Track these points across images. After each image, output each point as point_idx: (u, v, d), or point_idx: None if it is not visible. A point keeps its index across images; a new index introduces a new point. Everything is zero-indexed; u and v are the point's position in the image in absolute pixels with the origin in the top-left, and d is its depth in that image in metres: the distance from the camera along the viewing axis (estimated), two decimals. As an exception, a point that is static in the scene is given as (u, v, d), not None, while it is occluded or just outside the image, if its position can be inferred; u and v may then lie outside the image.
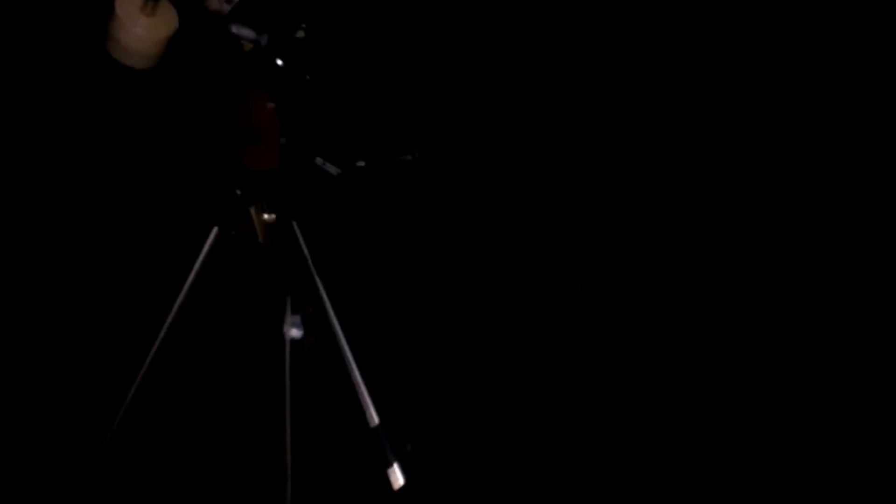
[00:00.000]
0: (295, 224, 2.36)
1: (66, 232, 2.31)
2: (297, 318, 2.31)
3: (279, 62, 2.14)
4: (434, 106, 2.54)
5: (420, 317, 2.49)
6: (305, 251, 2.37)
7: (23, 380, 2.23)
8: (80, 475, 2.25)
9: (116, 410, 2.27)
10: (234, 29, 2.12)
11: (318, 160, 2.26)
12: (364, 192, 2.51)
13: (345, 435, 2.21)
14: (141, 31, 2.07)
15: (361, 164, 2.32)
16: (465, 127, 2.58)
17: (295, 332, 2.31)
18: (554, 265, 2.54)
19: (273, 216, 2.34)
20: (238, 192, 2.35)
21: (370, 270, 2.52)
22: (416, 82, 2.55)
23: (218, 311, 2.36)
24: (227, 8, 2.12)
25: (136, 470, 2.21)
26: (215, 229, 2.34)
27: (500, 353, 2.44)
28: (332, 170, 2.26)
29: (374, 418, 2.17)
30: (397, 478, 2.14)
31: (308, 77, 2.17)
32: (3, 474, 2.15)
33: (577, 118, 2.58)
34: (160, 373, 2.26)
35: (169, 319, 2.32)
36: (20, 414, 2.23)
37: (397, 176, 2.51)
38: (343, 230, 2.52)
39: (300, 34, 2.15)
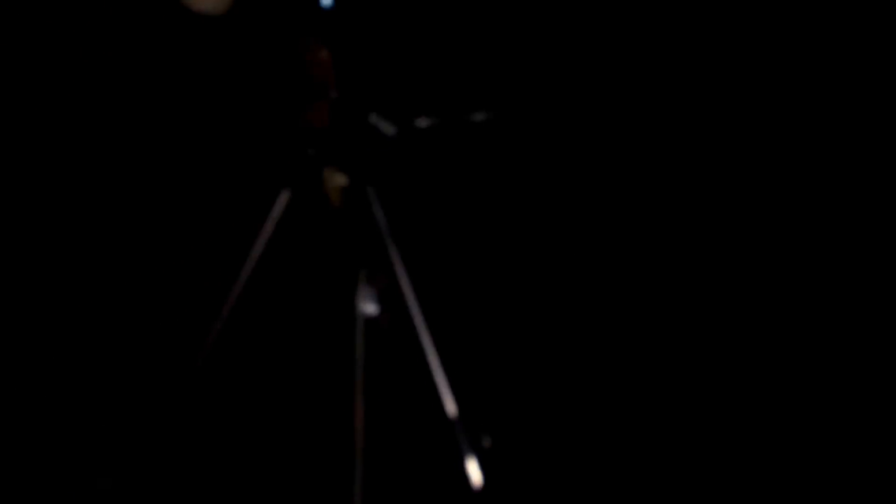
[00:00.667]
0: (370, 189, 2.15)
1: (129, 195, 2.15)
2: (373, 292, 2.11)
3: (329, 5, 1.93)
4: (509, 58, 2.28)
5: (505, 294, 2.26)
6: (381, 218, 2.16)
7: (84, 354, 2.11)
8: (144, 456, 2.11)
9: (183, 386, 2.12)
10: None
11: (373, 117, 2.04)
12: (433, 154, 2.28)
13: (419, 424, 2.01)
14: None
15: (423, 123, 2.09)
16: (541, 83, 2.32)
17: (370, 308, 2.11)
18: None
19: (345, 180, 2.14)
20: (310, 151, 2.15)
21: (449, 241, 2.29)
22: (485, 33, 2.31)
23: (287, 281, 2.17)
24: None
25: (198, 449, 2.06)
26: (285, 193, 2.15)
27: (593, 337, 2.20)
28: (388, 129, 2.04)
29: (452, 408, 1.96)
30: (475, 475, 1.93)
31: (361, 26, 1.95)
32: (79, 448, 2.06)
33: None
34: (226, 347, 2.09)
35: (237, 289, 2.14)
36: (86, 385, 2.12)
37: (468, 137, 2.27)
38: (418, 197, 2.30)
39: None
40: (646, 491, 2.02)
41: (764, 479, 2.03)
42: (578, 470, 2.04)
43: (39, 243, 2.09)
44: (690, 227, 2.26)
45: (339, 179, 2.16)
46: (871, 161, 2.19)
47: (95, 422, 2.06)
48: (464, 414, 1.95)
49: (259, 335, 2.15)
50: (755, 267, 2.22)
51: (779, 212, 2.23)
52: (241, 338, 2.10)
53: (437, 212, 2.32)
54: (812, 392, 2.11)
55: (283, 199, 2.17)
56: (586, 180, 2.31)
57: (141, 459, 2.05)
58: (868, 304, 2.16)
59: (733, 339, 2.18)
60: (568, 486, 2.01)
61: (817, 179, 2.21)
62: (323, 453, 2.05)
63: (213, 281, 2.15)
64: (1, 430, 2.00)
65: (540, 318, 2.26)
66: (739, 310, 2.19)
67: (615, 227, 2.29)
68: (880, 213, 2.18)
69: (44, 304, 2.09)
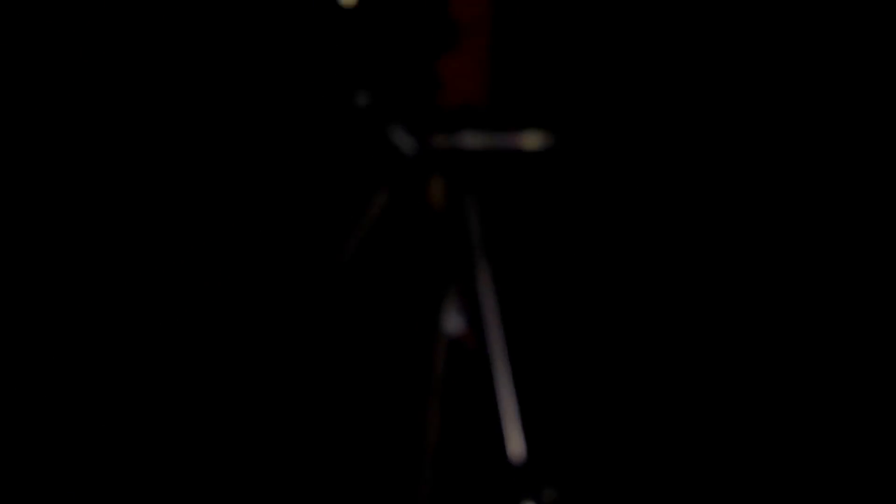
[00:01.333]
0: (469, 198, 1.99)
1: (221, 175, 2.08)
2: (460, 311, 1.96)
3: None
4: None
5: (602, 330, 2.04)
6: (475, 231, 2.00)
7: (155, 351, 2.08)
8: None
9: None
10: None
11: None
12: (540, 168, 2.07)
13: (483, 464, 1.85)
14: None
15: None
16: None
17: (454, 328, 1.96)
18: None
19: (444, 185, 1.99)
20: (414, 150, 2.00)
21: (545, 261, 2.09)
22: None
23: (372, 285, 2.05)
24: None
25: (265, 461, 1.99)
26: (383, 193, 2.02)
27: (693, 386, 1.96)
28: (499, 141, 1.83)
29: (518, 452, 1.79)
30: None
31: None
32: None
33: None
34: (303, 350, 2.01)
35: (322, 287, 2.04)
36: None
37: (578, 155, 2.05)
38: (518, 211, 2.10)
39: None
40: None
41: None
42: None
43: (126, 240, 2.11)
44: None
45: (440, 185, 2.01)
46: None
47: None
48: (530, 459, 1.77)
49: (337, 339, 2.05)
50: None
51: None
52: (318, 341, 2.00)
53: (537, 230, 2.13)
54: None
55: (381, 199, 2.05)
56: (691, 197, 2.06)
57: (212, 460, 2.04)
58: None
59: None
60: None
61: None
62: (382, 475, 1.94)
63: (303, 277, 2.07)
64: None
65: (636, 356, 2.03)
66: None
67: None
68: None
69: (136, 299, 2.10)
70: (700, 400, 2.01)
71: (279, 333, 2.02)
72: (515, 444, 1.79)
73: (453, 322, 1.96)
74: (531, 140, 1.90)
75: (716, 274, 2.05)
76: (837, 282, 2.01)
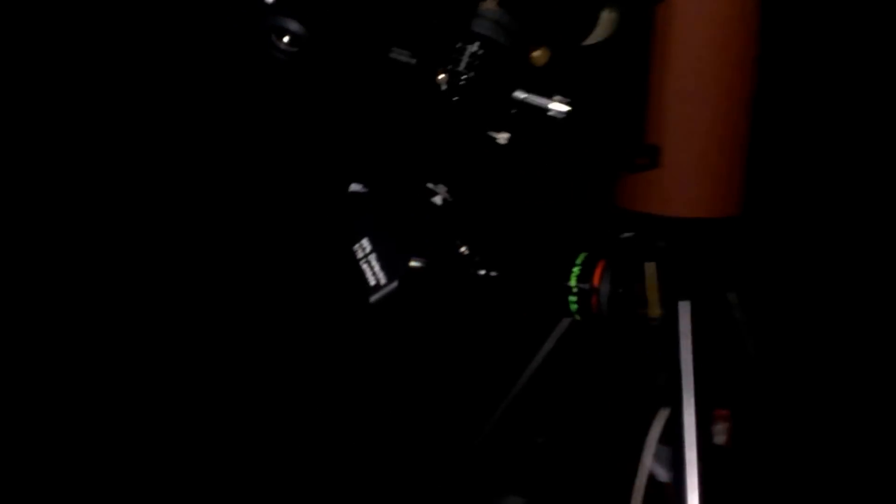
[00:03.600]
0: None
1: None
2: (665, 453, 1.50)
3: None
4: None
5: None
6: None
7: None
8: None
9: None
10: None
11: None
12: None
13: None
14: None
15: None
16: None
17: (661, 474, 1.51)
18: None
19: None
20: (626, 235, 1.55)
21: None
22: None
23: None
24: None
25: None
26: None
27: None
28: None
29: None
30: None
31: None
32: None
33: None
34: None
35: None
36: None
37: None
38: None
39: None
40: None
41: None
42: None
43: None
44: None
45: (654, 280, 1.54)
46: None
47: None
48: None
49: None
50: None
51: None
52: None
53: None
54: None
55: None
56: None
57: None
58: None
59: None
60: None
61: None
62: None
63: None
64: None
65: None
66: None
67: None
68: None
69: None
70: None
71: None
72: None
73: (657, 467, 1.51)
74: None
75: None
76: None
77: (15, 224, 2.10)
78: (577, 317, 0.91)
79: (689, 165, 1.46)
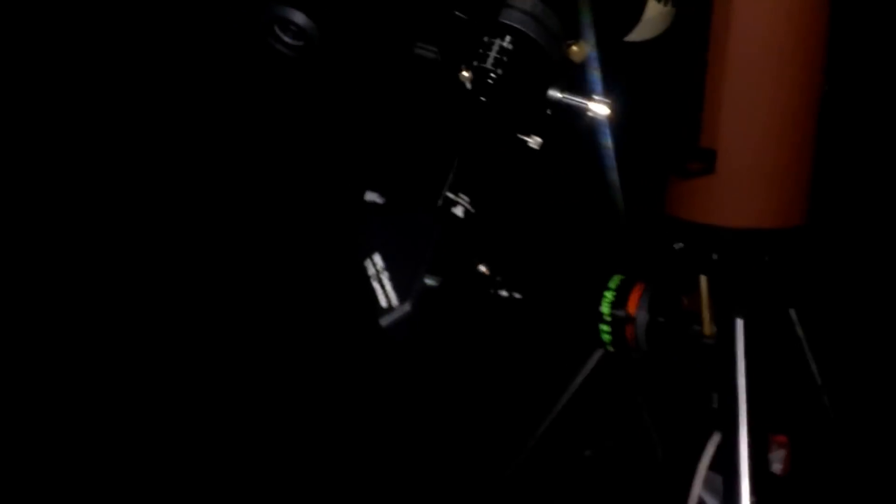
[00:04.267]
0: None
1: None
2: (716, 481, 1.39)
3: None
4: None
5: None
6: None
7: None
8: None
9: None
10: None
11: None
12: None
13: None
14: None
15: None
16: None
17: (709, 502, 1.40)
18: None
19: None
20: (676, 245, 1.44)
21: None
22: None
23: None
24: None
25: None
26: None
27: None
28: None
29: None
30: None
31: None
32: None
33: None
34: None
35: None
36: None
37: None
38: None
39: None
40: None
41: None
42: None
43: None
44: None
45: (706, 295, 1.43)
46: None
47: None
48: None
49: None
50: None
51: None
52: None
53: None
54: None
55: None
56: None
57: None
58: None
59: None
60: None
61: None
62: None
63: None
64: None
65: None
66: None
67: None
68: None
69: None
70: None
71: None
72: None
73: (708, 495, 1.40)
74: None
75: None
76: None
77: (15, 224, 2.07)
78: (610, 348, 0.81)
79: (746, 171, 1.35)
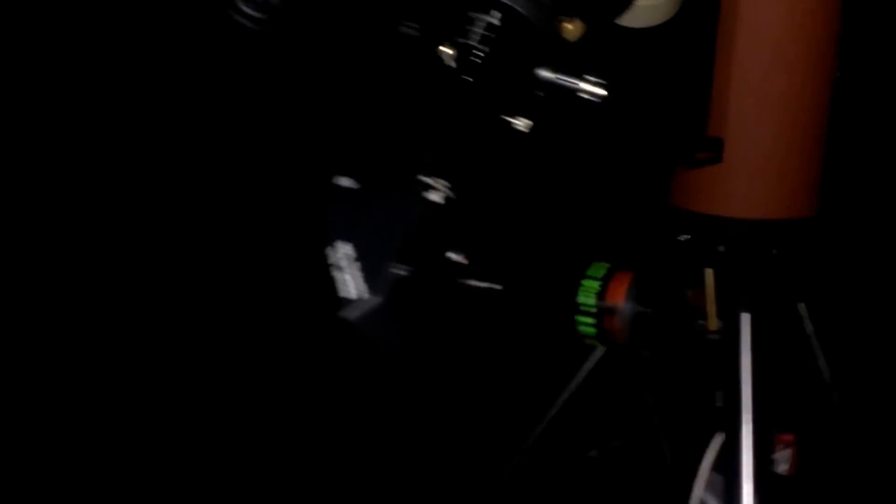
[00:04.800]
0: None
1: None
2: (720, 482, 1.34)
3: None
4: None
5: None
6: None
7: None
8: None
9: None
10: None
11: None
12: None
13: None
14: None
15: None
16: None
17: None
18: None
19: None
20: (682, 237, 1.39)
21: None
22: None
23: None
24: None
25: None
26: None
27: None
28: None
29: None
30: None
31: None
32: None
33: None
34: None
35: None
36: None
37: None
38: None
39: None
40: None
41: None
42: None
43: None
44: None
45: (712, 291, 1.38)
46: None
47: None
48: None
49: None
50: None
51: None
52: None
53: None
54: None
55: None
56: None
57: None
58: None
59: None
60: None
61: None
62: None
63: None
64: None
65: None
66: None
67: None
68: None
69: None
70: None
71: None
72: None
73: (710, 496, 1.35)
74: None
75: None
76: None
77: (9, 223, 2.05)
78: (594, 342, 0.76)
79: (755, 160, 1.30)
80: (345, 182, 0.75)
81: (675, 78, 1.34)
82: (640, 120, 1.26)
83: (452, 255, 0.72)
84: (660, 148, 1.34)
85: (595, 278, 0.75)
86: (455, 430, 1.91)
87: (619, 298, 0.74)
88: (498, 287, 0.72)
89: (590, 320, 0.75)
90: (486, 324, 0.74)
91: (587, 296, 0.75)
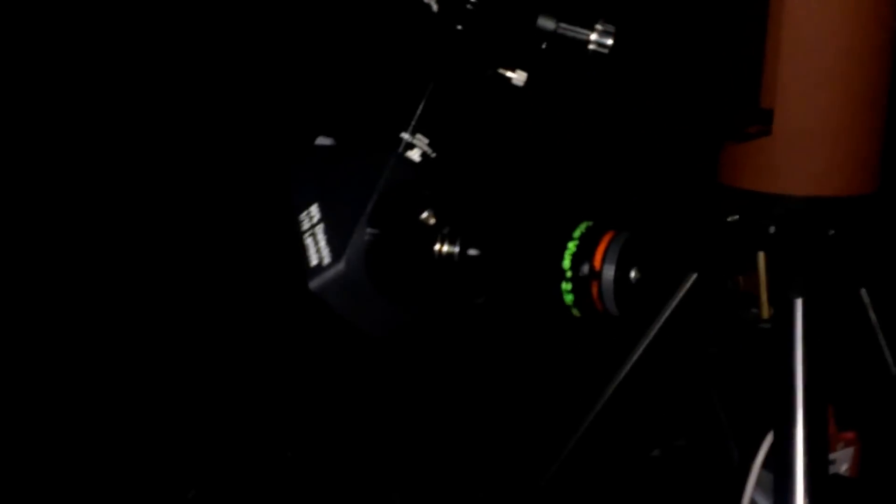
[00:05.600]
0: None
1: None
2: (771, 481, 1.24)
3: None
4: None
5: None
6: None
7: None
8: None
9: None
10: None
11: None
12: None
13: None
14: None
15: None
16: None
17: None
18: None
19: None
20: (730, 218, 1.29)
21: None
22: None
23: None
24: None
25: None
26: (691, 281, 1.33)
27: None
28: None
29: None
30: None
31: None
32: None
33: None
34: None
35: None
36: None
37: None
38: None
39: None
40: None
41: None
42: None
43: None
44: None
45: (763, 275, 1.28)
46: None
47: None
48: None
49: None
50: None
51: None
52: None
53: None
54: None
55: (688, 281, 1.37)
56: None
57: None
58: None
59: None
60: None
61: None
62: None
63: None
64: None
65: None
66: None
67: None
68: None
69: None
70: None
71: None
72: None
73: (762, 496, 1.25)
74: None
75: None
76: None
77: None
78: (575, 312, 0.66)
79: (808, 131, 1.19)
80: (324, 141, 0.68)
81: (721, 45, 1.24)
82: (687, 92, 1.16)
83: (425, 217, 0.64)
84: (706, 121, 1.24)
85: (575, 238, 0.66)
86: (473, 430, 1.82)
87: (600, 261, 0.65)
88: (474, 252, 0.64)
89: (567, 286, 0.65)
90: (468, 294, 0.65)
91: (567, 259, 0.65)
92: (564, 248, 0.64)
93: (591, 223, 0.67)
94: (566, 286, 0.65)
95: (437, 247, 0.64)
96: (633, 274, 0.66)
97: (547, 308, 0.66)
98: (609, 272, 0.65)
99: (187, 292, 2.05)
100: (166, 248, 2.07)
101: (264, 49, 1.75)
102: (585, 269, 0.65)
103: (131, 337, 2.03)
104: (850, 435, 1.29)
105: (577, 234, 0.66)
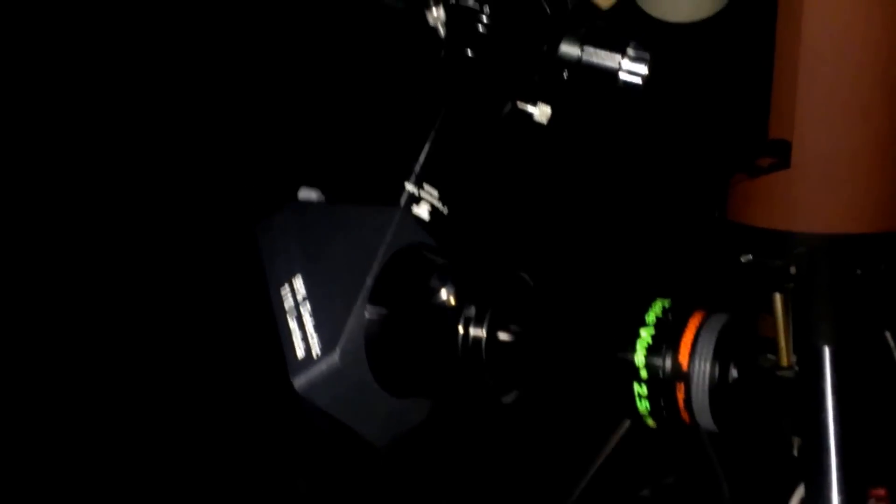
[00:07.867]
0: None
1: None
2: None
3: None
4: None
5: None
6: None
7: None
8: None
9: None
10: None
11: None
12: None
13: None
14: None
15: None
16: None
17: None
18: None
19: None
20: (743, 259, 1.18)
21: None
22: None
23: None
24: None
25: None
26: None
27: None
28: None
29: None
30: None
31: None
32: None
33: None
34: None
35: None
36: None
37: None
38: None
39: None
40: None
41: None
42: None
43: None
44: None
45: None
46: None
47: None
48: None
49: None
50: None
51: None
52: None
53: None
54: None
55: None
56: None
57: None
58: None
59: None
60: None
61: None
62: None
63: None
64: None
65: None
66: None
67: None
68: None
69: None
70: None
71: None
72: None
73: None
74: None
75: None
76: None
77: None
78: (650, 422, 0.53)
79: (829, 163, 1.09)
80: (309, 194, 0.56)
81: (730, 74, 1.14)
82: (694, 123, 1.06)
83: (442, 293, 0.51)
84: (716, 154, 1.14)
85: (648, 325, 0.51)
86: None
87: (682, 354, 0.50)
88: (507, 338, 0.51)
89: (642, 389, 0.50)
90: (496, 391, 0.52)
91: (639, 353, 0.50)
92: (636, 335, 0.50)
93: (668, 301, 0.53)
94: (640, 389, 0.50)
95: (458, 330, 0.51)
96: (733, 373, 0.51)
97: (610, 414, 0.53)
98: (702, 370, 0.49)
99: (184, 309, 1.98)
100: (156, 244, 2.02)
101: (235, 72, 1.69)
102: (668, 366, 0.49)
103: (132, 357, 1.99)
104: (881, 492, 1.19)
105: (651, 317, 0.51)
